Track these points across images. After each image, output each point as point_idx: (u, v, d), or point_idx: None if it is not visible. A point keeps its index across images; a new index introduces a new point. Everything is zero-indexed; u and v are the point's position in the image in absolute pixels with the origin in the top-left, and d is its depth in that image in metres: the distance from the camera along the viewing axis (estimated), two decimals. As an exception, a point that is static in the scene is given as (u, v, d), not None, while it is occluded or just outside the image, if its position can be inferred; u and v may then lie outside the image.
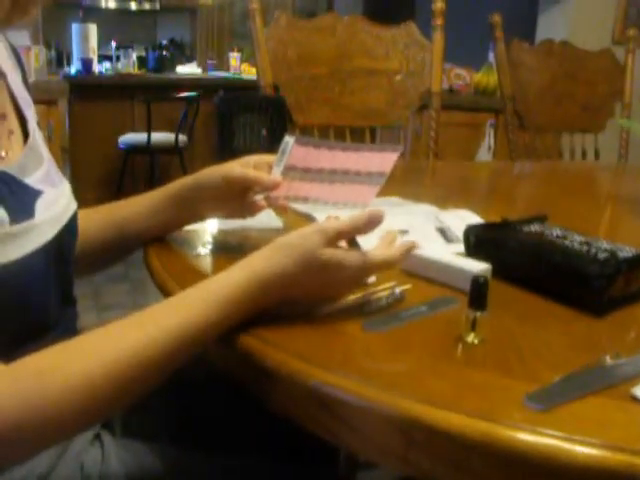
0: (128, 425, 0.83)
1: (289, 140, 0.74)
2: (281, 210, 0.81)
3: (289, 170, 0.75)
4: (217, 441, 0.82)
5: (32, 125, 0.73)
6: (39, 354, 0.54)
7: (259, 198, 0.77)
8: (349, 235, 0.66)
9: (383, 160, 0.79)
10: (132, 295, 3.25)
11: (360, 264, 0.65)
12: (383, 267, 0.67)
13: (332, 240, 0.64)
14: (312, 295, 0.65)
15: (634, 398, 0.51)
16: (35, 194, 0.67)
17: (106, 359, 0.55)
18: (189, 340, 0.58)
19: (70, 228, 0.73)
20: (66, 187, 0.75)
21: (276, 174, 0.76)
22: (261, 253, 0.63)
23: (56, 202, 0.70)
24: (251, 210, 0.81)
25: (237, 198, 0.80)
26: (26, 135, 0.72)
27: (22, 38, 3.19)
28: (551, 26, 4.05)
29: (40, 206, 0.66)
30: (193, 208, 0.83)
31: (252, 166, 0.80)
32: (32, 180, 0.68)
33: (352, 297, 0.68)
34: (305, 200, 0.78)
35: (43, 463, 0.70)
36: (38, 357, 0.54)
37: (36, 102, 0.79)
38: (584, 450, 0.45)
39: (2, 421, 0.50)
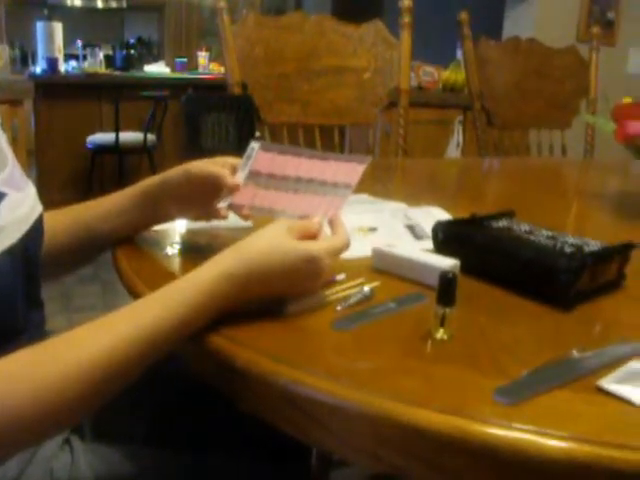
0: (98, 428, 0.82)
1: (254, 146, 0.73)
2: (244, 219, 0.80)
3: (253, 175, 0.74)
4: (188, 441, 0.82)
5: None
6: (10, 357, 0.54)
7: (223, 205, 0.76)
8: (316, 232, 0.68)
9: (350, 171, 0.78)
10: (102, 296, 3.22)
11: (327, 253, 0.66)
12: (345, 247, 0.70)
13: (299, 236, 0.65)
14: (282, 290, 0.66)
15: (600, 390, 0.52)
16: None
17: (79, 360, 0.55)
18: (160, 338, 0.58)
19: (36, 231, 0.72)
20: (31, 190, 0.74)
21: (240, 179, 0.75)
22: (229, 251, 0.64)
23: (21, 205, 0.69)
24: (216, 215, 0.81)
25: (201, 198, 0.79)
26: None
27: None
28: (517, 24, 4.09)
29: (4, 209, 0.65)
30: (159, 207, 0.82)
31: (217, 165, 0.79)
32: None
33: (321, 295, 0.69)
34: (270, 212, 0.77)
35: (12, 468, 0.69)
36: (8, 360, 0.53)
37: (0, 102, 0.77)
38: (552, 443, 0.45)
39: None
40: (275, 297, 0.65)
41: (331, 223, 0.73)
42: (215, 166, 0.78)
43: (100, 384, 0.56)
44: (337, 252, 0.69)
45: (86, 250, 0.86)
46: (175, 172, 0.80)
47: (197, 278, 0.61)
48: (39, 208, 0.75)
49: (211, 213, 0.81)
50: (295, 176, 0.75)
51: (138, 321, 0.58)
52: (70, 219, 0.85)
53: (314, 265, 0.65)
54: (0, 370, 0.53)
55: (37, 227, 0.72)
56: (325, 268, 0.66)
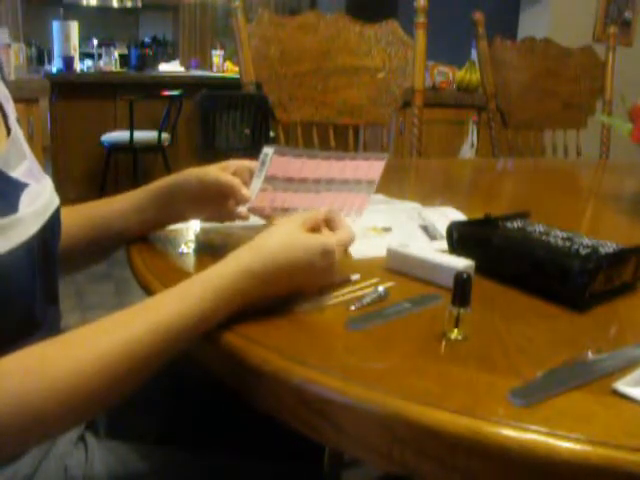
0: (113, 426, 0.82)
1: (268, 151, 0.73)
2: (267, 219, 0.80)
3: (270, 181, 0.74)
4: (201, 441, 0.82)
5: (12, 120, 0.72)
6: (26, 351, 0.54)
7: (242, 209, 0.76)
8: (320, 220, 0.69)
9: (370, 168, 0.78)
10: (116, 295, 3.23)
11: (338, 243, 0.67)
12: (352, 239, 0.71)
13: (314, 229, 0.66)
14: (300, 285, 0.66)
15: (615, 392, 0.51)
16: (20, 187, 0.66)
17: (96, 355, 0.55)
18: (177, 334, 0.58)
19: (53, 223, 0.72)
20: (48, 183, 0.75)
21: (256, 185, 0.75)
22: (246, 247, 0.64)
23: (39, 197, 0.69)
24: (231, 218, 0.81)
25: (214, 202, 0.79)
26: (7, 131, 0.71)
27: (2, 36, 3.16)
28: (533, 24, 4.07)
29: (24, 200, 0.65)
30: (173, 208, 0.82)
31: (232, 171, 0.79)
32: (16, 174, 0.67)
33: (335, 294, 0.69)
34: (294, 211, 0.77)
35: (26, 465, 0.69)
36: (25, 354, 0.54)
37: (16, 100, 0.78)
38: (567, 445, 0.45)
39: None
40: (291, 294, 0.66)
41: (328, 222, 0.71)
42: (228, 174, 0.78)
43: (115, 379, 0.56)
44: (346, 244, 0.69)
45: (100, 247, 0.87)
46: (187, 176, 0.80)
47: (215, 274, 0.61)
48: (56, 201, 0.75)
49: (225, 215, 0.81)
50: (314, 178, 0.75)
51: (155, 316, 0.58)
52: (85, 216, 0.85)
53: (328, 256, 0.65)
54: (15, 364, 0.53)
55: (54, 220, 0.73)
56: (337, 259, 0.67)
